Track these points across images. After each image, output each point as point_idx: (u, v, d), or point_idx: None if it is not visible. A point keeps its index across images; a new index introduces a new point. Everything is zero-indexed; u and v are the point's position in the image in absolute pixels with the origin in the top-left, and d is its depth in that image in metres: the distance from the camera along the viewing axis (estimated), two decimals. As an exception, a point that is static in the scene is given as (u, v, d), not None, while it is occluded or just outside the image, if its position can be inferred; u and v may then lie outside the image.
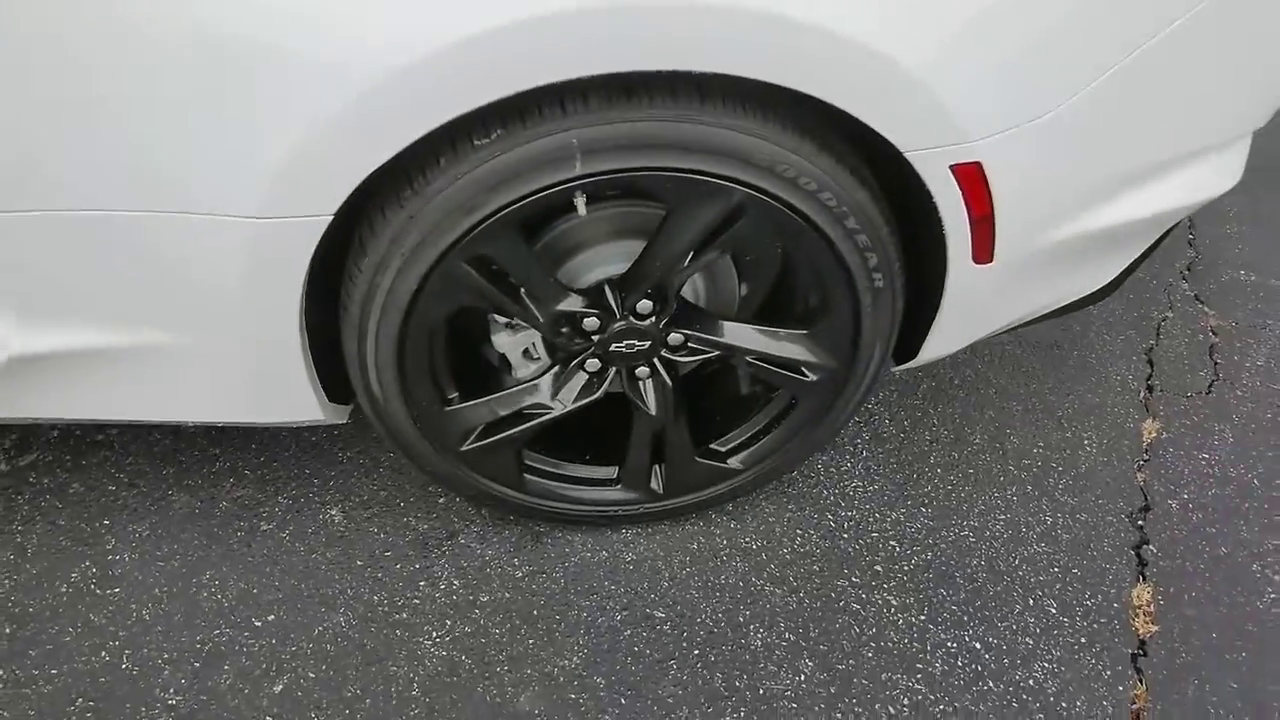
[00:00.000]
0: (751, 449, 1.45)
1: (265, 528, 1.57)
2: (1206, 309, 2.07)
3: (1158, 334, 2.00)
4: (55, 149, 0.96)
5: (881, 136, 1.06)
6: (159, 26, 0.89)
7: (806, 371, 1.34)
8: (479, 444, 1.35)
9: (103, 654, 1.39)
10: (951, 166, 1.08)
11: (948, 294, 1.26)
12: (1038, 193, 1.18)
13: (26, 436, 1.69)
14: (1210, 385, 1.88)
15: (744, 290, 1.40)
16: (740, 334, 1.31)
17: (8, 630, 1.41)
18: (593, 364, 1.31)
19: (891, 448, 1.72)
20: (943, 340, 1.37)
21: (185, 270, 1.07)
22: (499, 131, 1.01)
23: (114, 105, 0.93)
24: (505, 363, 1.39)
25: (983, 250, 1.20)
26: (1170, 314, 2.06)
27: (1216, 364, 1.93)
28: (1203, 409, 1.83)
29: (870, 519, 1.60)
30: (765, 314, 1.48)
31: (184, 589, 1.47)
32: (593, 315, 1.24)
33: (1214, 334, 2.01)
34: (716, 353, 1.32)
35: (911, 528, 1.59)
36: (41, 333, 1.13)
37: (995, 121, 1.07)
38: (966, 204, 1.13)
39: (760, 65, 0.97)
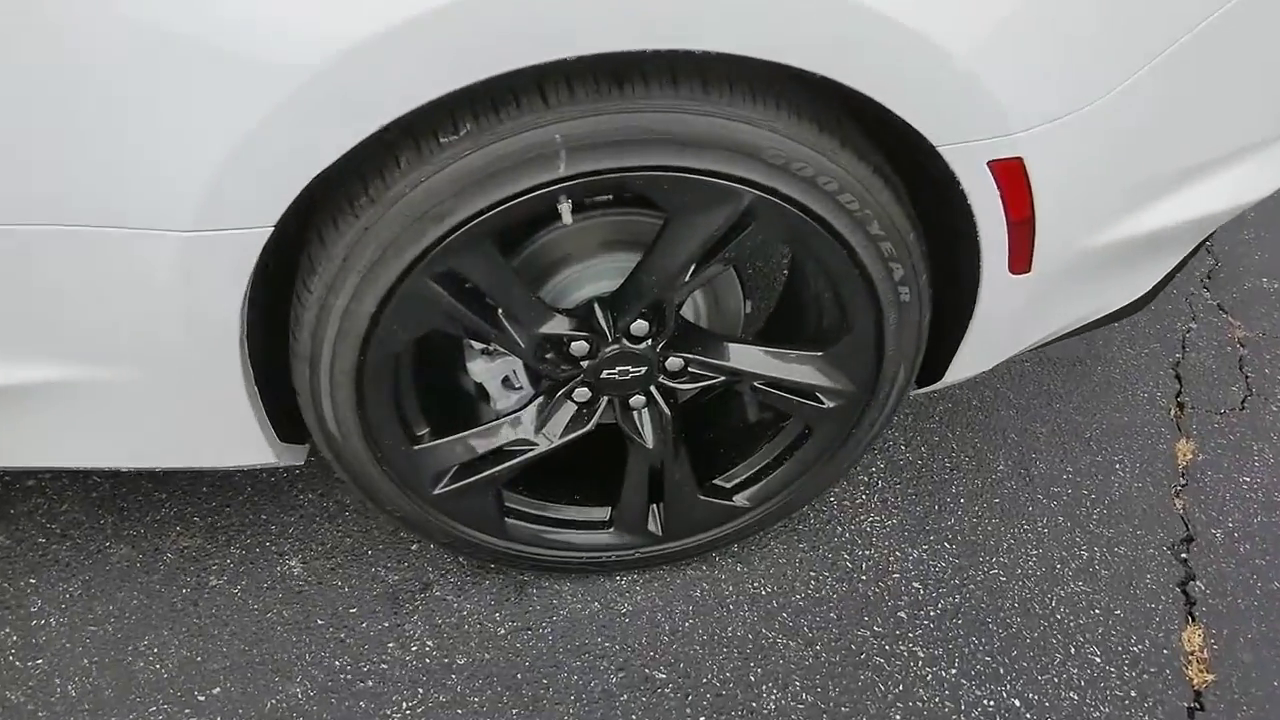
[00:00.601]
0: (759, 485, 1.31)
1: (214, 583, 1.39)
2: (1231, 319, 1.95)
3: (1183, 346, 1.88)
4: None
5: (907, 129, 0.92)
6: (70, 18, 0.75)
7: (822, 398, 1.20)
8: (454, 486, 1.20)
9: (18, 739, 1.21)
10: (990, 163, 0.95)
11: (979, 308, 1.13)
12: (1082, 193, 1.05)
13: (-55, 484, 1.52)
14: (1244, 400, 1.76)
15: (750, 307, 1.26)
16: (747, 357, 1.17)
17: (-90, 712, 1.22)
18: (582, 393, 1.17)
19: (909, 477, 1.58)
20: (971, 360, 1.23)
21: (104, 293, 0.92)
22: (469, 126, 0.87)
23: (18, 109, 0.78)
24: (483, 393, 1.24)
25: (1020, 258, 1.07)
26: (1194, 325, 1.94)
27: (1248, 377, 1.81)
28: (1238, 427, 1.70)
29: (890, 558, 1.45)
30: (775, 333, 1.34)
31: (117, 658, 1.30)
32: (581, 338, 1.09)
33: (1241, 345, 1.89)
34: (720, 378, 1.18)
35: (936, 567, 1.44)
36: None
37: (1038, 111, 0.94)
38: (1005, 206, 1.00)
39: (772, 44, 0.83)
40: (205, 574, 1.41)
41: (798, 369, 1.17)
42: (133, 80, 0.77)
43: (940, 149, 0.93)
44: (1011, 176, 0.97)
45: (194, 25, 0.75)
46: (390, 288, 0.95)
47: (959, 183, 0.97)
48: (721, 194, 0.94)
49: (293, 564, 1.43)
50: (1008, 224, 1.02)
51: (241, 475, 1.54)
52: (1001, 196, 0.98)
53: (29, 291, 0.91)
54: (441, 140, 0.87)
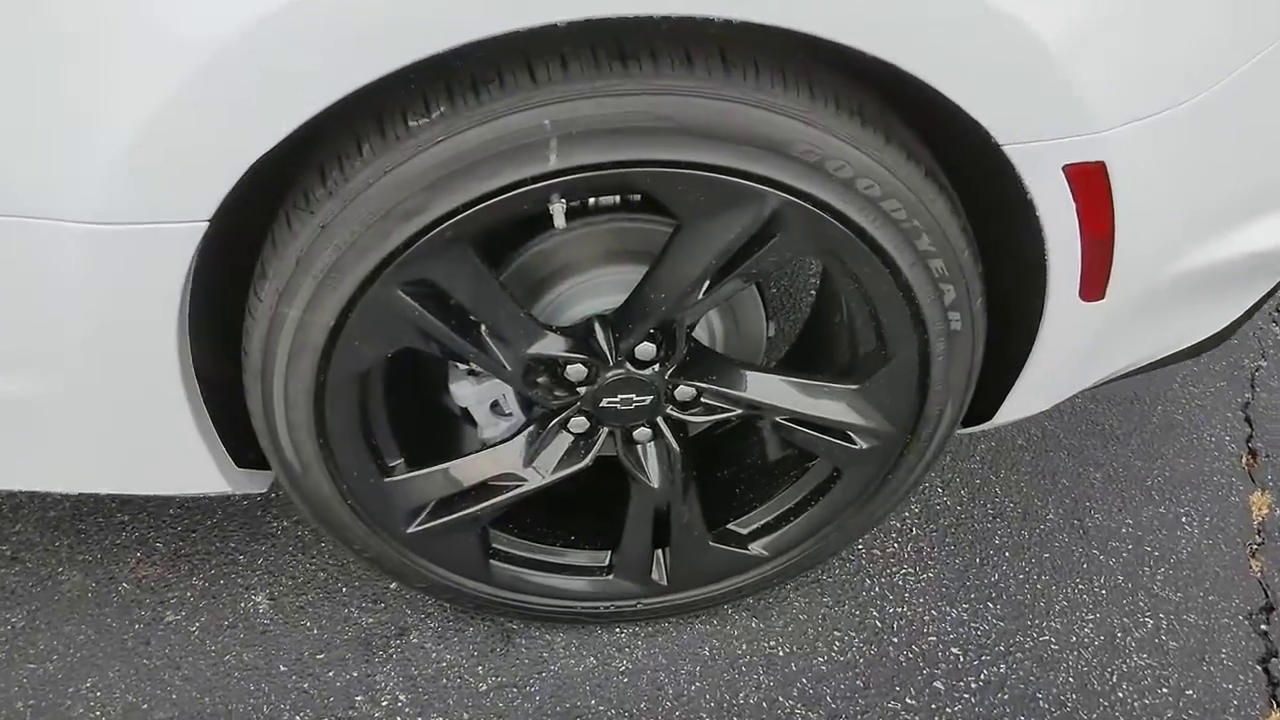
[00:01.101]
0: (779, 533, 1.16)
1: (171, 618, 1.27)
2: (1306, 358, 1.77)
3: (1252, 385, 1.70)
4: None
5: (964, 124, 0.77)
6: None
7: (854, 437, 1.04)
8: (431, 524, 1.06)
9: (-68, 795, 1.08)
10: (1066, 167, 0.80)
11: (1042, 339, 0.98)
12: (1170, 207, 0.90)
13: (-108, 498, 1.41)
14: (1325, 450, 1.57)
15: (773, 330, 1.11)
16: (769, 388, 1.03)
17: None
18: (579, 423, 1.03)
19: (947, 524, 1.42)
20: (1028, 398, 1.08)
21: (17, 293, 0.79)
22: (442, 108, 0.74)
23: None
24: (468, 418, 1.10)
25: (1094, 283, 0.91)
26: (1264, 363, 1.76)
27: (1328, 424, 1.62)
28: (1321, 479, 1.52)
29: (925, 618, 1.29)
30: (800, 361, 1.19)
31: (55, 701, 1.17)
32: (578, 361, 0.96)
33: (1319, 387, 1.70)
34: (737, 411, 1.03)
35: (977, 630, 1.28)
36: None
37: (1127, 107, 0.79)
38: (1080, 220, 0.84)
39: (807, 14, 0.69)
40: (162, 608, 1.28)
41: (827, 404, 1.02)
42: (22, 44, 0.64)
43: (1006, 148, 0.78)
44: (1090, 184, 0.81)
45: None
46: (351, 297, 0.81)
47: (1026, 191, 0.82)
48: (743, 196, 0.80)
49: (259, 599, 1.29)
50: (1082, 242, 0.86)
51: (212, 498, 1.42)
52: (1077, 208, 0.83)
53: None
54: (410, 124, 0.74)
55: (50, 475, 0.98)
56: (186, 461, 0.96)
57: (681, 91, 0.73)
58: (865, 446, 1.05)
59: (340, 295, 0.81)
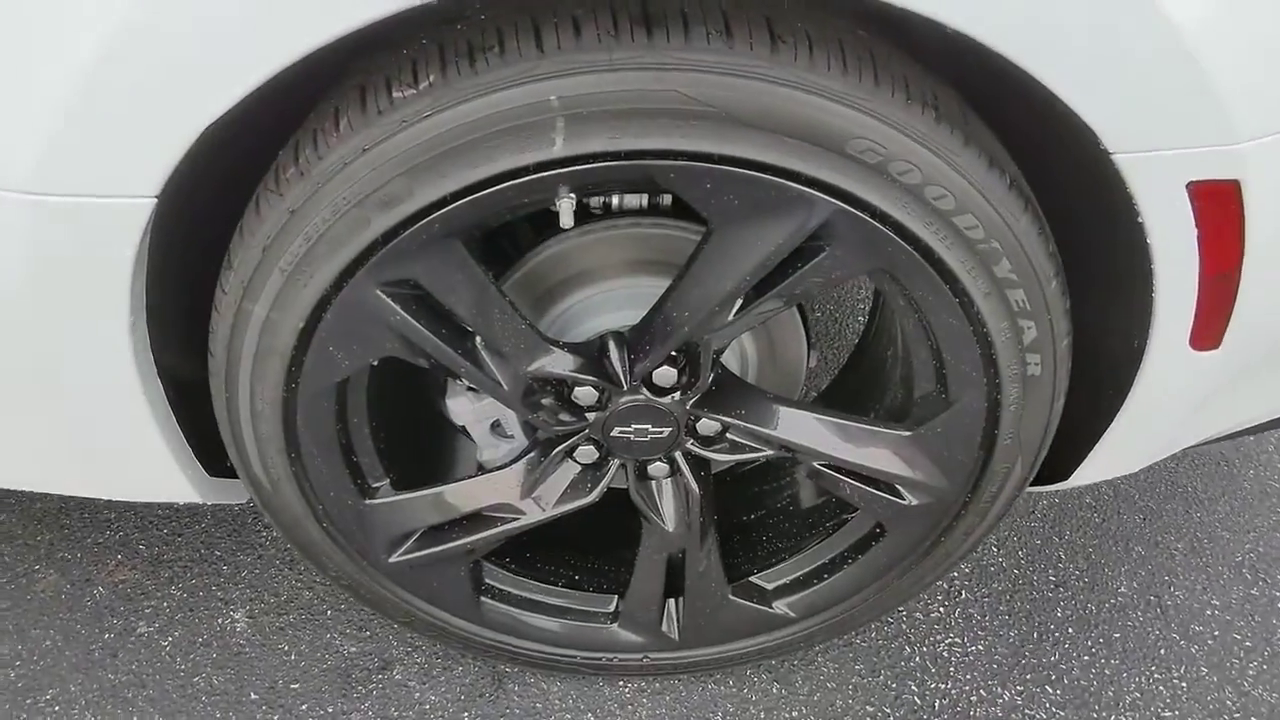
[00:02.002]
0: (809, 591, 1.03)
1: (143, 630, 1.18)
2: None
3: (1363, 454, 1.50)
4: None
5: (1066, 123, 0.64)
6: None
7: (904, 491, 0.90)
8: (417, 555, 0.96)
9: None
10: (1191, 185, 0.65)
11: (1137, 392, 0.84)
12: (1311, 241, 0.74)
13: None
14: None
15: (814, 360, 0.98)
16: (805, 428, 0.90)
17: None
18: (586, 453, 0.92)
19: (1002, 589, 1.26)
20: (1113, 458, 0.94)
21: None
22: (432, 78, 0.63)
23: None
24: (469, 434, 0.99)
25: (1209, 328, 0.76)
26: (1377, 429, 1.55)
27: None
28: None
29: (972, 699, 1.14)
30: (842, 398, 1.05)
31: (12, 713, 1.10)
32: (588, 384, 0.84)
33: None
34: (767, 451, 0.90)
35: (1035, 717, 1.11)
36: None
37: (1272, 114, 0.64)
38: (1201, 250, 0.70)
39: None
40: (135, 617, 1.20)
41: (872, 451, 0.89)
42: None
43: (1117, 158, 0.64)
44: (1219, 207, 0.67)
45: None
46: (323, 295, 0.71)
47: (1136, 211, 0.67)
48: (785, 200, 0.67)
49: (237, 616, 1.20)
50: (1200, 277, 0.72)
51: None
52: (1199, 236, 0.69)
53: None
54: (394, 95, 0.63)
55: (12, 472, 0.89)
56: (148, 466, 0.87)
57: (716, 69, 0.61)
58: (915, 503, 0.91)
59: (311, 293, 0.71)
